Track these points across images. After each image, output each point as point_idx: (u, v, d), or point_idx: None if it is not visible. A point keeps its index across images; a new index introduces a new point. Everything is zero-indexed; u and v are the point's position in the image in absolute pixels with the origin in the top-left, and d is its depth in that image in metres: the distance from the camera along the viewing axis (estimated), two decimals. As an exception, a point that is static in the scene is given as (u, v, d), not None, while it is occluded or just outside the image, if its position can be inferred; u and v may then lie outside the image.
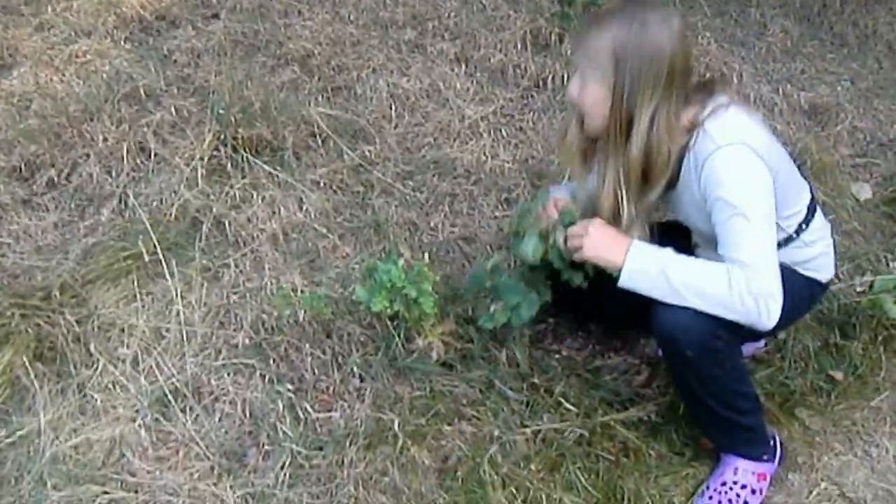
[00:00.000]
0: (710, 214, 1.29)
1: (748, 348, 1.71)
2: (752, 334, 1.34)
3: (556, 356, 1.71)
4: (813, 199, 1.48)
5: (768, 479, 1.49)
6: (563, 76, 2.61)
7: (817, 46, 3.23)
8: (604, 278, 1.35)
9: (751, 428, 1.47)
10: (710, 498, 1.45)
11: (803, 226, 1.44)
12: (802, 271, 1.46)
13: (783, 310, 1.24)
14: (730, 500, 1.44)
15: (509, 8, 2.93)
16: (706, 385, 1.36)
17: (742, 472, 1.46)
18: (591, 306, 1.65)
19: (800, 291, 1.43)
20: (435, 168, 2.20)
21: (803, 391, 1.73)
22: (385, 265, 1.43)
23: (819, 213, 1.49)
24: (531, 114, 2.49)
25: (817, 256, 1.47)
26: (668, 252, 1.28)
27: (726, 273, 1.22)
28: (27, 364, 1.54)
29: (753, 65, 2.97)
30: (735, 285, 1.21)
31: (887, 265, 2.11)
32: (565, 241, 1.38)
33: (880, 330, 1.85)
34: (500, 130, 2.41)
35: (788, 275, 1.32)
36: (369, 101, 2.38)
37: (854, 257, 2.11)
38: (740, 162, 1.26)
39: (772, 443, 1.51)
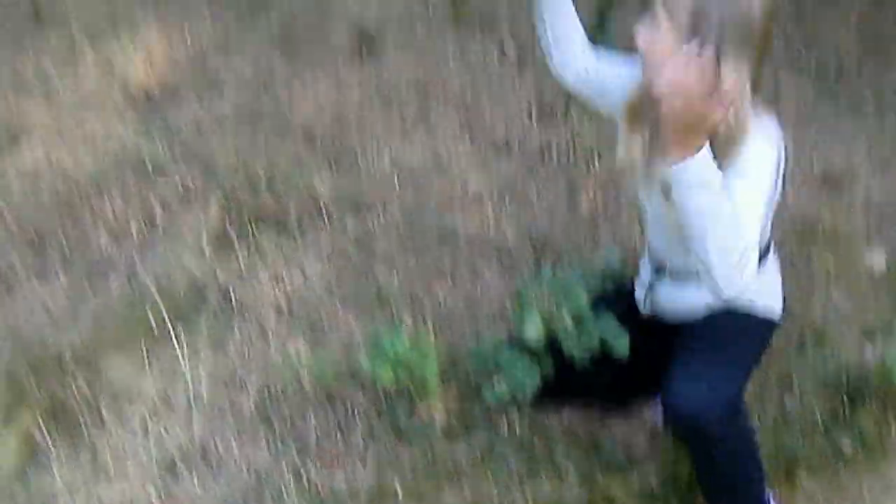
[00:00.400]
0: None
1: None
2: None
3: (557, 422, 2.02)
4: (769, 242, 1.74)
5: None
6: (568, 147, 3.03)
7: (832, 111, 3.62)
8: (606, 356, 1.68)
9: (757, 496, 1.75)
10: None
11: (765, 253, 1.70)
12: (760, 310, 1.71)
13: (756, 358, 1.56)
14: None
15: (515, 79, 3.40)
16: (726, 458, 1.58)
17: None
18: (592, 385, 1.97)
19: (765, 333, 1.74)
20: (437, 239, 2.55)
21: (809, 458, 2.01)
22: (389, 335, 1.77)
23: (771, 261, 1.77)
24: (535, 185, 2.87)
25: (771, 285, 1.76)
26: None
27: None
28: (42, 426, 1.86)
29: None
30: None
31: None
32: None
33: (890, 400, 2.14)
34: (504, 201, 2.79)
35: (756, 324, 1.66)
36: (372, 172, 2.78)
37: (866, 326, 2.39)
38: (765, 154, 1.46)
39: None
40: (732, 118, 1.38)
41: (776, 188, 1.56)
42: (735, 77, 1.34)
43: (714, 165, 1.34)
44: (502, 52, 3.58)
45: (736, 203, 1.36)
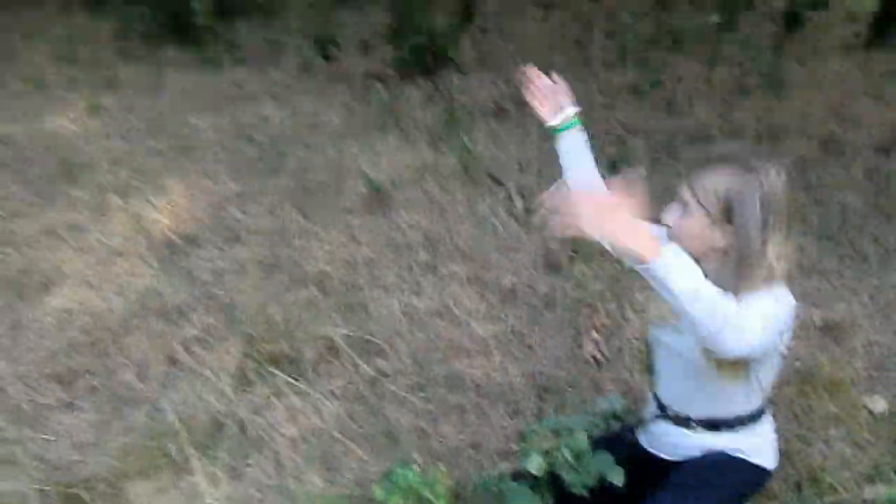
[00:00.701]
0: None
1: None
2: None
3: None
4: (768, 401, 2.24)
5: None
6: (572, 297, 3.51)
7: (836, 263, 4.09)
8: (604, 490, 2.06)
9: None
10: None
11: (757, 416, 2.10)
12: (752, 460, 2.07)
13: (742, 499, 1.94)
14: None
15: (521, 231, 3.94)
16: None
17: None
18: None
19: (752, 479, 2.09)
20: (445, 382, 2.97)
21: None
22: (402, 469, 2.16)
23: (769, 418, 2.16)
24: (540, 332, 3.32)
25: (763, 444, 2.12)
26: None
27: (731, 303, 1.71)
28: None
29: None
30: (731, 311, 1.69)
31: None
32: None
33: None
34: (510, 348, 3.23)
35: (745, 469, 2.02)
36: (383, 318, 3.24)
37: (865, 469, 2.71)
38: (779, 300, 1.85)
39: None
40: (746, 276, 1.83)
41: (772, 342, 1.87)
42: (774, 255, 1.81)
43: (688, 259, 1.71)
44: (510, 207, 4.15)
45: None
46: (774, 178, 1.84)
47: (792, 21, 8.53)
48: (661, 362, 2.18)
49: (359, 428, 2.72)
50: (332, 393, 2.84)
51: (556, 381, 3.04)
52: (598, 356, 3.22)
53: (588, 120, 5.36)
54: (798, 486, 2.61)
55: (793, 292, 3.82)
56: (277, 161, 4.35)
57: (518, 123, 5.32)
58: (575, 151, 2.32)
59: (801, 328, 3.56)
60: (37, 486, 2.36)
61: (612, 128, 5.33)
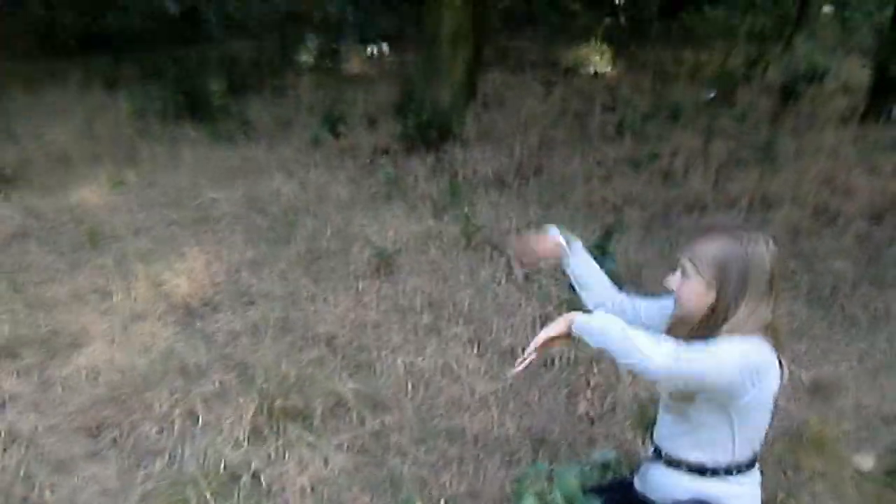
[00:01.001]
0: None
1: None
2: None
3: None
4: (755, 458, 2.45)
5: None
6: (569, 357, 3.74)
7: (825, 328, 4.33)
8: None
9: None
10: None
11: (743, 469, 2.40)
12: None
13: None
14: None
15: (520, 296, 4.19)
16: None
17: None
18: None
19: None
20: (446, 435, 3.18)
21: None
22: None
23: (756, 472, 2.44)
24: (537, 390, 3.54)
25: (746, 496, 2.30)
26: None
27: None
28: None
29: None
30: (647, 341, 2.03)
31: None
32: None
33: None
34: (508, 404, 3.45)
35: None
36: (388, 376, 3.48)
37: None
38: (743, 348, 2.11)
39: None
40: (713, 325, 2.11)
41: (759, 391, 2.15)
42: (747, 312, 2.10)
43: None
44: (509, 273, 4.42)
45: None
46: (761, 247, 2.14)
47: (788, 95, 8.90)
48: (659, 405, 2.44)
49: (364, 477, 2.93)
50: (340, 445, 3.07)
51: (552, 434, 3.26)
52: (591, 413, 3.45)
53: (587, 191, 5.72)
54: None
55: (782, 355, 4.02)
56: (288, 230, 4.65)
57: (518, 194, 5.64)
58: (584, 274, 2.53)
59: (791, 388, 3.80)
60: None
61: (609, 198, 5.62)
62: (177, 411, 3.09)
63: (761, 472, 2.39)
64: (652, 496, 2.42)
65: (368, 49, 9.97)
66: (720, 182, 6.11)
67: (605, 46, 10.90)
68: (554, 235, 2.43)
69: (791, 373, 3.83)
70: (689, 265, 2.18)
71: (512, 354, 3.74)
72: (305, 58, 8.76)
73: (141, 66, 7.73)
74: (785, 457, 3.29)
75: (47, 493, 2.77)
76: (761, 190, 5.92)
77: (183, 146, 6.20)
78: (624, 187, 5.84)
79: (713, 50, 11.02)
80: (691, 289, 2.19)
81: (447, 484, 2.94)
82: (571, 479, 2.37)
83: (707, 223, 2.38)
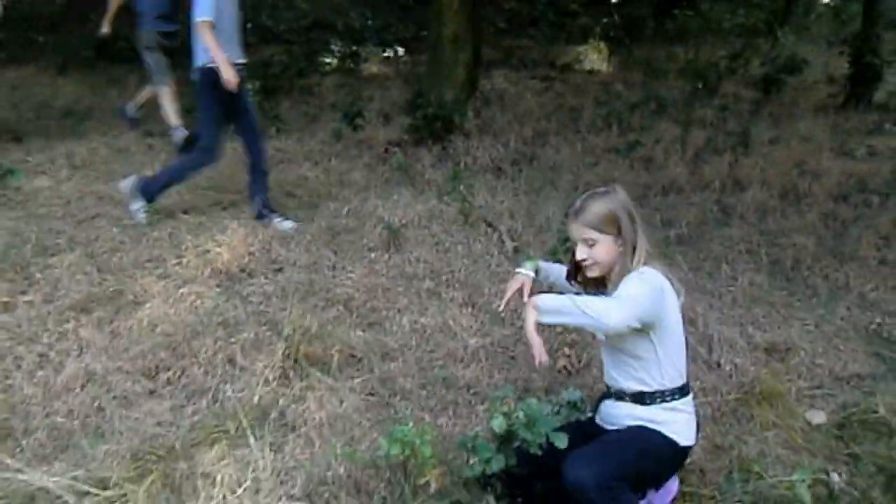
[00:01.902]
0: None
1: (663, 499, 2.88)
2: (654, 482, 2.56)
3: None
4: (686, 385, 2.67)
5: None
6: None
7: (785, 296, 4.46)
8: (552, 451, 2.58)
9: None
10: None
11: (676, 395, 2.59)
12: (667, 433, 2.55)
13: (652, 463, 2.48)
14: None
15: (510, 265, 4.48)
16: None
17: None
18: (545, 474, 2.83)
19: (664, 454, 2.56)
20: (443, 382, 3.48)
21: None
22: (401, 426, 2.73)
23: (689, 399, 2.66)
24: (521, 347, 3.83)
25: (684, 422, 2.61)
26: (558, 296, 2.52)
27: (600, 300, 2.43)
28: (160, 491, 2.79)
29: (720, 311, 4.21)
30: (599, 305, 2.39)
31: (827, 475, 3.02)
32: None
33: None
34: (497, 357, 3.75)
35: (659, 442, 2.50)
36: (395, 332, 3.80)
37: (792, 464, 3.04)
38: (650, 275, 2.47)
39: None
40: (623, 266, 2.54)
41: (664, 310, 2.50)
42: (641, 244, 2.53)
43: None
44: (501, 246, 4.72)
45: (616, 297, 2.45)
46: (621, 192, 2.58)
47: (769, 85, 9.01)
48: (602, 351, 2.77)
49: (373, 416, 3.22)
50: (353, 388, 3.38)
51: (533, 384, 3.52)
52: (569, 367, 3.73)
53: (574, 176, 5.97)
54: (729, 474, 2.97)
55: (741, 318, 4.17)
56: (313, 210, 4.97)
57: (512, 179, 5.89)
58: (549, 277, 2.97)
59: (749, 348, 3.91)
60: (131, 451, 2.90)
61: (592, 182, 5.82)
62: (219, 357, 3.43)
63: (694, 405, 2.69)
64: (605, 425, 2.74)
65: (386, 52, 10.21)
66: (696, 167, 6.31)
67: (602, 45, 11.03)
68: (524, 275, 2.87)
69: (746, 335, 4.11)
70: (591, 233, 2.55)
71: (501, 316, 4.02)
72: (329, 61, 8.99)
73: (188, 70, 8.00)
74: (739, 409, 3.47)
75: (115, 422, 3.10)
76: (734, 173, 6.09)
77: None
78: (608, 172, 6.06)
79: (704, 46, 11.11)
80: (604, 248, 2.56)
81: (443, 424, 3.23)
82: (534, 403, 2.72)
83: (576, 204, 2.72)
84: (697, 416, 2.72)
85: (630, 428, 2.63)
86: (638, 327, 2.46)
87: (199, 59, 4.65)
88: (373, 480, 2.85)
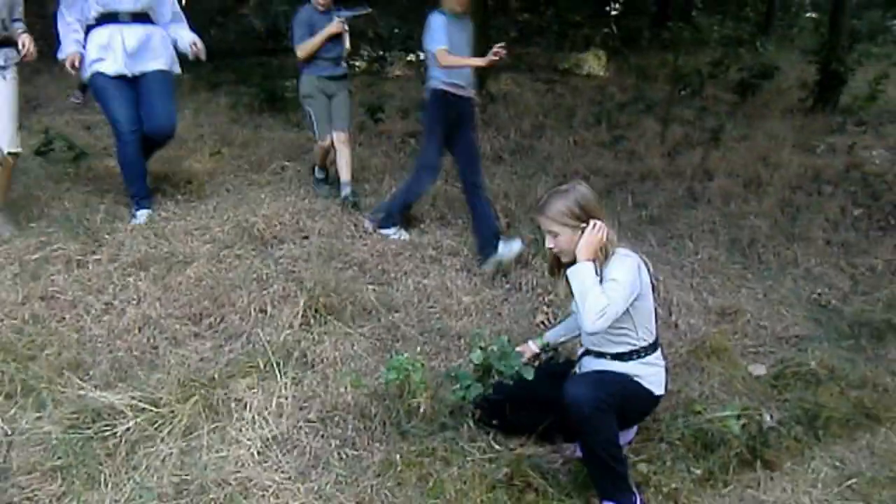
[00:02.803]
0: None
1: (625, 436, 2.96)
2: (626, 422, 2.70)
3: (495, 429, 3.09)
4: (657, 341, 2.79)
5: None
6: (532, 283, 4.24)
7: (739, 268, 4.62)
8: (523, 384, 2.79)
9: (622, 476, 2.60)
10: None
11: (649, 350, 2.74)
12: (645, 384, 2.72)
13: (633, 403, 2.64)
14: None
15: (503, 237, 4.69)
16: (596, 434, 2.51)
17: None
18: (520, 403, 3.03)
19: (641, 397, 2.72)
20: (438, 332, 3.68)
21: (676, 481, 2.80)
22: (398, 356, 2.95)
23: (659, 353, 2.80)
24: (508, 305, 4.03)
25: (656, 374, 2.76)
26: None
27: (599, 296, 2.54)
28: (201, 411, 3.03)
29: (680, 279, 4.41)
30: (599, 302, 2.52)
31: (760, 415, 3.14)
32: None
33: (731, 441, 2.93)
34: (485, 313, 3.95)
35: (635, 386, 2.66)
36: (401, 290, 4.01)
37: (732, 405, 3.10)
38: (628, 263, 2.63)
39: (635, 499, 2.63)
40: (604, 249, 2.67)
41: (642, 286, 2.65)
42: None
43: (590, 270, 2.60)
44: (496, 220, 4.89)
45: (604, 289, 2.56)
46: (582, 185, 2.69)
47: (746, 89, 9.09)
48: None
49: (378, 357, 3.44)
50: (363, 334, 3.60)
51: (516, 337, 3.62)
52: (545, 322, 3.90)
53: (564, 165, 6.10)
54: (675, 412, 3.14)
55: (698, 286, 4.35)
56: (337, 188, 5.17)
57: (510, 166, 6.07)
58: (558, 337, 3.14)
59: (702, 311, 4.10)
60: (178, 380, 3.13)
61: (580, 170, 6.00)
62: (252, 307, 3.63)
63: (664, 357, 2.84)
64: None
65: (409, 57, 10.34)
66: (672, 159, 6.48)
67: (601, 52, 11.15)
68: (532, 345, 3.09)
69: (703, 299, 4.27)
70: (553, 225, 2.67)
71: (491, 279, 4.25)
72: (359, 64, 9.15)
73: (235, 71, 8.25)
74: (690, 361, 3.64)
75: (166, 357, 3.33)
76: (704, 164, 6.25)
77: (263, 130, 6.72)
78: (594, 162, 6.21)
79: (693, 54, 11.20)
80: (565, 238, 2.67)
81: (437, 366, 3.45)
82: (505, 339, 2.91)
83: (541, 200, 2.88)
84: (666, 368, 2.87)
85: (613, 371, 2.75)
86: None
87: (431, 83, 4.48)
88: (374, 406, 3.06)
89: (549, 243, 2.76)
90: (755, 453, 2.95)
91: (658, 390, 2.77)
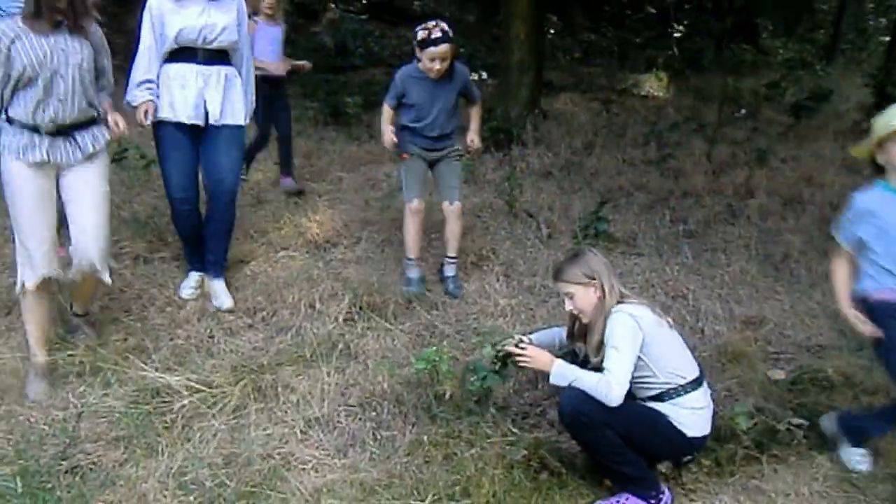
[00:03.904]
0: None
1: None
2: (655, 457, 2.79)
3: (513, 411, 3.30)
4: (698, 380, 2.82)
5: None
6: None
7: (771, 282, 4.69)
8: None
9: (636, 477, 2.75)
10: None
11: (681, 391, 2.76)
12: (676, 424, 2.69)
13: (660, 441, 2.70)
14: None
15: (542, 247, 4.89)
16: (585, 444, 2.73)
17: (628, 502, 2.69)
18: None
19: (668, 435, 2.71)
20: (474, 330, 3.90)
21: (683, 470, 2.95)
22: (427, 349, 3.21)
23: (701, 392, 2.74)
24: (543, 308, 4.24)
25: (689, 416, 2.71)
26: (573, 367, 2.73)
27: (598, 379, 2.66)
28: (250, 393, 3.35)
29: (710, 289, 4.51)
30: (600, 385, 2.65)
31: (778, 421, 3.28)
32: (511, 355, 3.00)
33: (740, 436, 3.07)
34: (520, 314, 4.18)
35: (665, 423, 2.66)
36: (441, 292, 4.25)
37: (746, 404, 3.27)
38: (622, 321, 2.73)
39: (661, 494, 2.75)
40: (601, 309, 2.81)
41: (644, 335, 2.70)
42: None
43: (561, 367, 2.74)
44: (538, 232, 5.11)
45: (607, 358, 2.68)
46: (591, 251, 2.87)
47: (800, 111, 9.01)
48: None
49: (416, 351, 3.64)
50: (403, 330, 3.86)
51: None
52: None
53: (609, 181, 6.23)
54: None
55: (726, 296, 4.45)
56: (390, 200, 5.41)
57: (557, 182, 6.25)
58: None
59: (728, 318, 4.20)
60: (231, 365, 3.45)
61: (624, 186, 6.13)
62: (302, 303, 3.93)
63: (711, 399, 2.85)
64: None
65: (472, 75, 10.59)
66: (717, 177, 6.54)
67: (662, 74, 11.19)
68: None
69: (730, 308, 4.38)
70: (570, 287, 2.85)
71: (532, 287, 4.41)
72: None
73: (303, 86, 8.64)
74: (711, 364, 3.73)
75: (222, 345, 3.64)
76: (747, 183, 6.27)
77: (326, 143, 7.06)
78: (638, 179, 6.31)
79: (755, 76, 11.13)
80: (583, 297, 2.83)
81: (468, 358, 3.63)
82: (515, 338, 3.07)
83: (560, 264, 2.98)
84: (714, 409, 2.87)
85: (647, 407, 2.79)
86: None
87: None
88: (408, 393, 3.32)
89: (567, 306, 2.91)
90: (763, 448, 3.08)
91: (691, 432, 2.75)
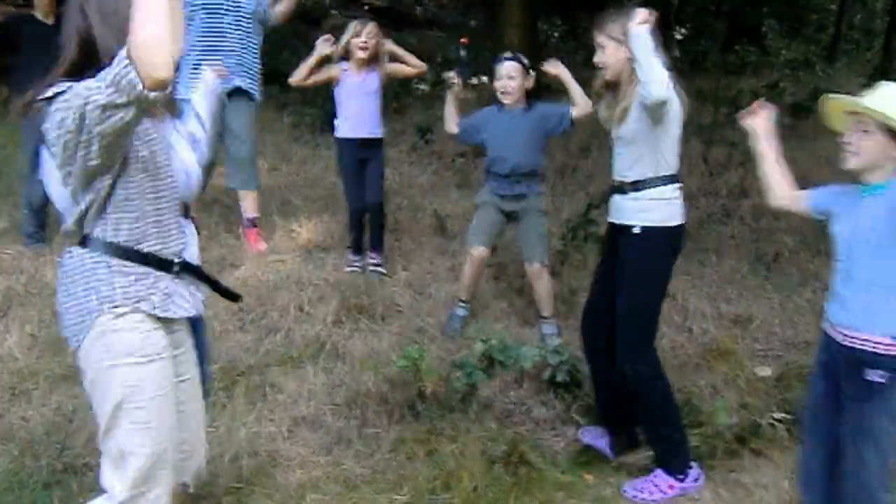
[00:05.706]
0: None
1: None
2: None
3: (497, 409, 3.37)
4: (675, 176, 2.85)
5: (676, 489, 2.83)
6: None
7: (761, 280, 4.73)
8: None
9: (678, 443, 2.89)
10: (633, 486, 2.89)
11: (667, 182, 2.81)
12: (660, 223, 2.81)
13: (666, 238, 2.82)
14: (641, 489, 2.85)
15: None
16: (654, 404, 2.86)
17: (660, 478, 2.86)
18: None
19: (662, 242, 2.85)
20: (461, 333, 4.05)
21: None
22: (410, 347, 3.29)
23: (675, 186, 2.85)
24: (533, 308, 4.34)
25: (672, 205, 2.84)
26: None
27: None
28: (240, 392, 3.43)
29: (700, 288, 4.57)
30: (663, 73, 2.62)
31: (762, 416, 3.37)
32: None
33: (723, 433, 3.17)
34: (511, 318, 4.25)
35: (653, 232, 2.78)
36: (432, 295, 4.32)
37: (729, 400, 3.41)
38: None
39: (691, 470, 2.88)
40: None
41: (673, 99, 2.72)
42: None
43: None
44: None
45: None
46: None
47: (799, 111, 9.03)
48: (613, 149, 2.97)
49: (402, 352, 3.78)
50: (391, 332, 3.94)
51: (519, 334, 3.95)
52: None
53: (603, 183, 6.12)
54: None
55: (716, 295, 4.48)
56: (386, 205, 5.53)
57: (552, 185, 6.15)
58: None
59: (716, 315, 4.26)
60: (220, 369, 3.52)
61: None
62: (291, 305, 4.03)
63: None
64: (613, 220, 2.99)
65: (474, 80, 10.63)
66: (712, 178, 6.57)
67: (664, 76, 11.17)
68: None
69: (718, 306, 4.43)
70: (604, 40, 2.84)
71: (522, 288, 4.48)
72: (423, 87, 9.50)
73: (301, 93, 8.72)
74: (699, 362, 3.80)
75: (213, 347, 3.66)
76: (742, 184, 6.31)
77: (322, 149, 7.11)
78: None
79: (756, 76, 11.11)
80: (612, 54, 2.85)
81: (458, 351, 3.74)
82: (504, 335, 3.16)
83: (600, 16, 2.94)
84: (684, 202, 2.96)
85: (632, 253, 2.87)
86: (665, 106, 2.71)
87: None
88: (392, 392, 3.40)
89: (596, 58, 2.91)
90: (744, 442, 3.15)
91: (674, 220, 2.91)
